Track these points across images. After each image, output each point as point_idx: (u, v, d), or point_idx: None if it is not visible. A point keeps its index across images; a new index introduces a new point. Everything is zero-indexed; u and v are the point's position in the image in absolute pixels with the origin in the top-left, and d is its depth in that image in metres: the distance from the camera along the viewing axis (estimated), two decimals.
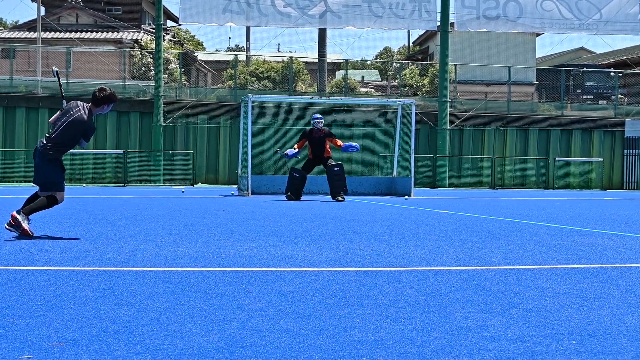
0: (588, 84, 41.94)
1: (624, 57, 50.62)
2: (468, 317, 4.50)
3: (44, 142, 9.06)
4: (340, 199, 18.79)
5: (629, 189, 34.81)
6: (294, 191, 19.17)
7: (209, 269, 6.42)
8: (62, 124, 9.06)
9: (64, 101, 9.41)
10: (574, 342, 3.90)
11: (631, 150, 35.14)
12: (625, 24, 35.77)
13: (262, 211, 14.38)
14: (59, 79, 9.96)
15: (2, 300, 4.81)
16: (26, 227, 8.74)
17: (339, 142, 19.57)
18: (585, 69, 43.45)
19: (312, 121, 19.58)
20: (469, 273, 6.40)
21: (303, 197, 19.69)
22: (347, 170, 30.60)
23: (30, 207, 8.94)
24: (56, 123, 9.15)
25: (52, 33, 42.98)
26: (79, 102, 9.30)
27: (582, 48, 59.75)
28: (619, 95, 39.61)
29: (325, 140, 19.37)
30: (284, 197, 20.20)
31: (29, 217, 8.95)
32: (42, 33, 39.80)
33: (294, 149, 19.78)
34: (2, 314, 4.40)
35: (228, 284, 5.62)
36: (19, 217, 8.74)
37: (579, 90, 41.59)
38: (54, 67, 10.39)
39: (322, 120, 19.57)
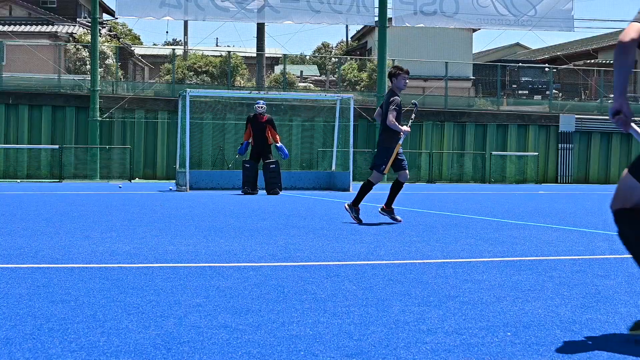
0: (523, 79, 42.55)
1: (558, 53, 51.51)
2: (405, 310, 4.54)
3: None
4: (273, 193, 19.15)
5: (563, 183, 35.42)
6: (249, 183, 19.23)
7: (146, 265, 6.36)
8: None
9: None
10: (509, 333, 3.96)
11: (565, 145, 35.75)
12: (560, 20, 36.37)
13: (200, 207, 14.31)
14: None
15: None
16: None
17: (278, 139, 19.61)
18: (520, 64, 44.07)
19: (255, 105, 19.62)
20: (407, 267, 6.45)
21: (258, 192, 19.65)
22: (286, 165, 30.61)
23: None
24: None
25: None
26: None
27: (517, 44, 60.55)
28: (554, 91, 40.26)
29: (267, 127, 19.40)
30: (223, 192, 20.13)
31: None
32: None
33: (242, 144, 19.81)
34: None
35: (165, 280, 5.58)
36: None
37: (514, 86, 42.16)
38: None
39: (264, 105, 19.60)
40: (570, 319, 4.33)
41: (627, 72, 4.07)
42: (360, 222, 10.84)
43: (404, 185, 11.33)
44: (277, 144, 19.72)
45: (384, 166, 11.09)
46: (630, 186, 4.01)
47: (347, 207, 11.08)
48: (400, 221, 10.91)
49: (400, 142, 11.15)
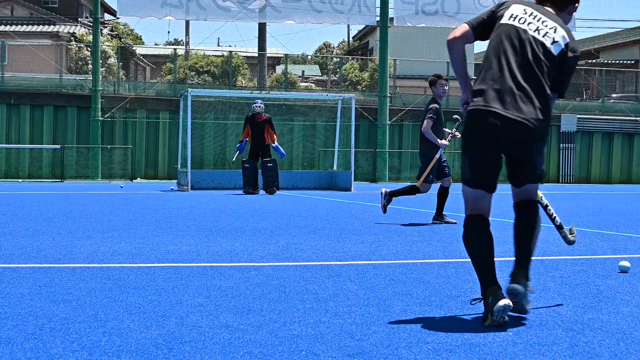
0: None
1: None
2: (407, 310, 4.53)
3: None
4: (270, 192, 19.20)
5: (564, 183, 35.41)
6: (250, 183, 19.26)
7: (148, 265, 6.36)
8: None
9: None
10: (510, 333, 3.96)
11: (567, 145, 35.73)
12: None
13: (202, 206, 14.31)
14: None
15: None
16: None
17: (275, 138, 19.63)
18: None
19: (252, 105, 19.65)
20: (408, 266, 6.45)
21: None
22: (287, 165, 30.62)
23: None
24: None
25: None
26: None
27: None
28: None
29: (265, 126, 19.43)
30: (224, 192, 20.14)
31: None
32: None
33: (240, 142, 19.82)
34: None
35: (167, 279, 5.59)
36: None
37: None
38: None
39: (262, 105, 19.61)
40: (572, 319, 4.33)
41: (461, 67, 4.48)
42: (384, 211, 11.09)
43: (449, 191, 11.35)
44: (273, 144, 19.71)
45: (431, 175, 11.09)
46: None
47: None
48: (455, 223, 10.83)
49: (438, 155, 11.05)
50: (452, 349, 3.63)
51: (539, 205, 4.65)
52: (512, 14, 4.33)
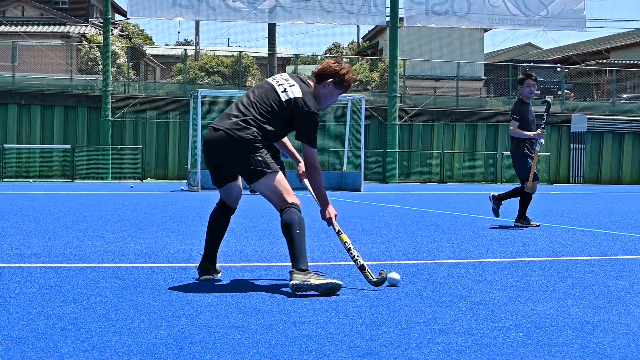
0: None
1: (570, 53, 51.34)
2: (417, 310, 4.53)
3: None
4: None
5: (575, 183, 35.32)
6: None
7: (158, 265, 6.37)
8: None
9: None
10: (520, 334, 3.95)
11: (577, 145, 35.65)
12: (572, 19, 36.26)
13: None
14: None
15: None
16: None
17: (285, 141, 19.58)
18: (532, 64, 43.96)
19: None
20: (418, 267, 6.44)
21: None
22: (297, 165, 30.58)
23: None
24: None
25: None
26: None
27: (529, 44, 60.43)
28: (566, 91, 40.16)
29: None
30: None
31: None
32: None
33: None
34: None
35: (177, 279, 5.59)
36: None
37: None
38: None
39: None
40: (582, 320, 4.32)
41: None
42: (497, 215, 10.99)
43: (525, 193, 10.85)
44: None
45: (537, 171, 10.76)
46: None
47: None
48: (538, 226, 10.56)
49: (538, 148, 10.67)
50: (462, 349, 3.62)
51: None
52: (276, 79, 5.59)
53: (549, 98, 10.41)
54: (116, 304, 4.62)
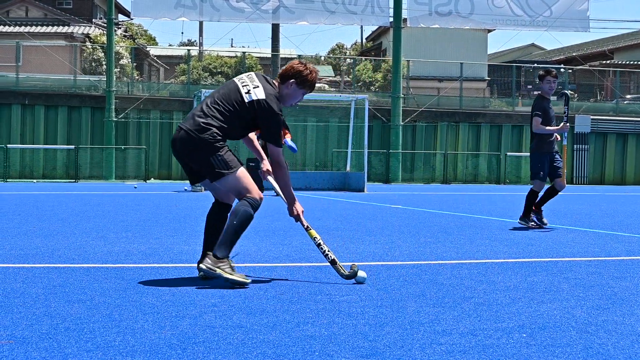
0: (539, 80, 42.41)
1: (574, 54, 51.31)
2: (420, 311, 4.53)
3: None
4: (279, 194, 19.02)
5: (578, 184, 35.29)
6: (256, 184, 19.16)
7: (162, 265, 6.38)
8: None
9: None
10: (524, 335, 3.95)
11: (580, 146, 35.62)
12: (575, 20, 36.24)
13: None
14: None
15: None
16: None
17: (289, 136, 19.49)
18: (536, 65, 43.93)
19: None
20: (422, 267, 6.45)
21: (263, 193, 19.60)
22: (300, 165, 30.63)
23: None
24: None
25: (1, 27, 42.34)
26: None
27: (532, 44, 60.38)
28: (569, 91, 40.09)
29: None
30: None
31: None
32: None
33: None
34: None
35: (181, 280, 5.60)
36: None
37: (529, 86, 42.04)
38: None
39: None
40: (586, 321, 4.32)
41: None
42: (544, 223, 10.59)
43: (558, 193, 10.87)
44: (286, 141, 19.53)
45: (541, 173, 10.64)
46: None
47: (519, 222, 10.63)
48: (546, 224, 10.54)
49: (565, 142, 10.63)
50: (466, 350, 3.62)
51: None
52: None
53: (567, 91, 10.31)
54: (120, 304, 4.62)
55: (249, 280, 5.37)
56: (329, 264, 5.67)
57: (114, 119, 30.86)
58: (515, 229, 10.38)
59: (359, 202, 16.54)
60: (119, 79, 34.74)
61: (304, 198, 18.10)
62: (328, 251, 5.69)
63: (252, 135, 5.96)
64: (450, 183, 32.76)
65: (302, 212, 5.86)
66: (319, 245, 5.73)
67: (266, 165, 6.04)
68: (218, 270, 5.28)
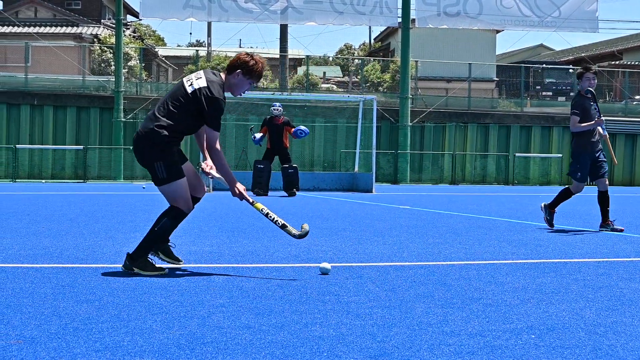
0: (547, 80, 42.32)
1: (583, 54, 51.18)
2: (429, 312, 4.53)
3: None
4: (291, 194, 19.00)
5: (587, 185, 35.17)
6: (261, 185, 19.17)
7: (170, 266, 6.39)
8: None
9: None
10: (533, 336, 3.94)
11: None
12: (584, 21, 36.15)
13: (223, 207, 14.34)
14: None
15: None
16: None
17: (292, 130, 19.47)
18: (544, 65, 43.84)
19: (270, 108, 19.61)
20: (430, 268, 6.44)
21: (269, 193, 19.59)
22: (309, 166, 30.65)
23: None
24: None
25: (10, 27, 42.46)
26: None
27: (541, 45, 60.27)
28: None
29: (284, 129, 19.36)
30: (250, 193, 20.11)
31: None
32: None
33: (260, 133, 19.66)
34: None
35: (189, 280, 5.61)
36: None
37: (538, 87, 41.95)
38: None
39: (280, 108, 19.52)
40: (594, 322, 4.31)
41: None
42: (551, 226, 10.45)
43: (606, 194, 10.48)
44: (298, 128, 19.36)
45: (579, 173, 10.44)
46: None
47: (542, 206, 10.57)
48: (622, 230, 10.18)
49: (604, 133, 10.36)
50: (474, 351, 3.62)
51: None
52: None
53: (590, 88, 10.13)
54: (128, 304, 4.63)
55: (165, 271, 5.87)
56: (279, 226, 6.03)
57: (123, 120, 30.91)
58: (514, 229, 10.36)
59: (367, 203, 16.53)
60: (127, 80, 34.78)
61: (311, 198, 18.10)
62: (276, 218, 6.08)
63: (201, 131, 6.22)
64: (458, 184, 32.72)
65: (244, 190, 6.18)
66: (267, 215, 6.11)
67: (209, 163, 6.23)
68: (136, 270, 5.81)
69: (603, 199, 10.44)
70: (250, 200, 6.14)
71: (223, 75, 6.06)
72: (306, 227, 6.04)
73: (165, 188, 5.97)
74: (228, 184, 6.12)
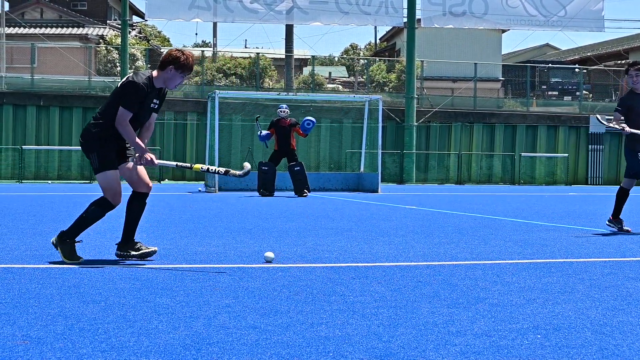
0: (553, 80, 42.26)
1: (589, 54, 51.10)
2: (434, 312, 4.52)
3: None
4: (303, 194, 18.85)
5: (593, 184, 35.15)
6: (266, 186, 19.10)
7: (176, 266, 6.39)
8: None
9: None
10: (539, 336, 3.94)
11: (595, 146, 35.46)
12: (590, 20, 36.10)
13: (229, 208, 14.35)
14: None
15: None
16: None
17: (301, 130, 19.38)
18: (550, 65, 43.79)
19: (277, 110, 19.58)
20: (436, 268, 6.43)
21: (275, 193, 19.56)
22: (315, 167, 30.65)
23: None
24: None
25: (17, 29, 42.56)
26: None
27: (547, 44, 60.18)
28: (584, 92, 39.97)
29: (291, 131, 19.30)
30: (251, 193, 20.15)
31: None
32: (5, 29, 39.38)
33: (268, 131, 19.56)
34: None
35: (195, 280, 5.61)
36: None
37: (544, 87, 41.89)
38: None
39: (287, 110, 19.46)
40: (601, 322, 4.30)
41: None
42: (628, 231, 9.98)
43: (628, 192, 10.20)
44: (305, 120, 19.23)
45: (631, 171, 10.19)
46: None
47: (608, 223, 10.08)
48: (630, 231, 9.97)
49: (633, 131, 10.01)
50: (480, 351, 3.62)
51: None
52: None
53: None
54: (134, 304, 4.64)
55: (80, 259, 6.48)
56: (223, 174, 6.60)
57: None
58: (520, 229, 10.35)
59: (373, 203, 16.52)
60: None
61: (317, 199, 18.09)
62: (217, 169, 6.74)
63: (145, 129, 6.80)
64: (464, 184, 32.69)
65: (155, 158, 6.61)
66: (207, 170, 6.86)
67: (149, 155, 6.59)
68: (59, 249, 6.50)
69: (622, 196, 10.16)
70: (183, 165, 6.95)
71: (155, 72, 6.57)
72: (247, 165, 6.66)
73: (99, 177, 6.57)
74: (137, 151, 6.53)
